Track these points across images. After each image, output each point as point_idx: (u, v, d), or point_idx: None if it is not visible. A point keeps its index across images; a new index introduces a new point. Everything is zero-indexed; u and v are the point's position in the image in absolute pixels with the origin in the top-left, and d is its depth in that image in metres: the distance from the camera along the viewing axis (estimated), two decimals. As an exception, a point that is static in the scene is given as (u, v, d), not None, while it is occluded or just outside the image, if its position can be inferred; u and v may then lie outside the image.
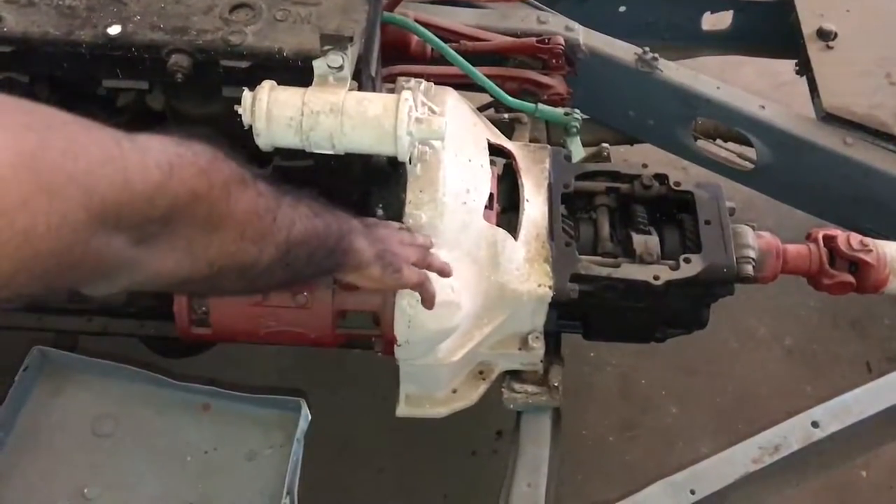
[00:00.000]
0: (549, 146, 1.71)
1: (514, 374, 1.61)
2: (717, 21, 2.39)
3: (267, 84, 1.23)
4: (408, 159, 1.32)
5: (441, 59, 1.71)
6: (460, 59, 1.65)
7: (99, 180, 0.70)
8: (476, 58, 1.75)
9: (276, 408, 1.42)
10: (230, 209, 0.88)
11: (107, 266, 0.76)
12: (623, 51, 2.01)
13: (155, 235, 0.80)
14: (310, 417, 1.41)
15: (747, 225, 1.61)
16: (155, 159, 0.78)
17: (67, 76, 1.37)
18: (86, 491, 1.35)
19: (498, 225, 1.51)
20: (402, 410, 1.59)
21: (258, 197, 0.94)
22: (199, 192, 0.83)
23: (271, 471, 1.37)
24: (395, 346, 1.44)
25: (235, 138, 1.31)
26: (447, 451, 2.08)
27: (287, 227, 0.98)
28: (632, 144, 2.23)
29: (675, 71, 2.01)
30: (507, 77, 1.83)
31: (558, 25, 1.97)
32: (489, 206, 1.52)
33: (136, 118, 1.44)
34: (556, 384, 1.59)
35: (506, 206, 1.60)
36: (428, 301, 1.33)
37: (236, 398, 1.43)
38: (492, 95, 1.72)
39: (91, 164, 0.70)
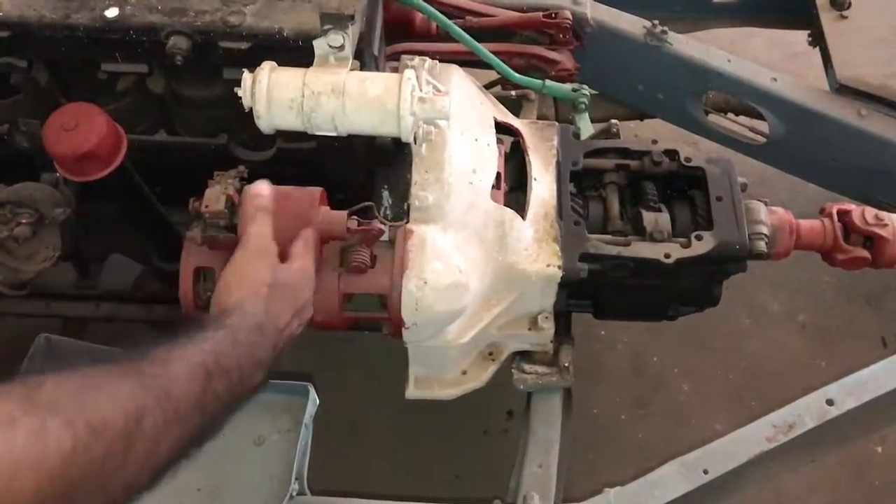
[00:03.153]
0: (557, 123, 1.69)
1: (525, 355, 1.59)
2: (727, -8, 2.35)
3: (267, 65, 1.21)
4: (412, 139, 1.30)
5: (446, 36, 1.68)
6: (465, 35, 1.62)
7: None
8: (482, 34, 1.73)
9: (283, 392, 1.42)
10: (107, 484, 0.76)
11: None
12: (631, 24, 1.97)
13: None
14: (318, 402, 1.40)
15: (759, 200, 1.59)
16: None
17: (66, 60, 1.36)
18: (94, 478, 1.35)
19: (505, 204, 1.49)
20: (412, 392, 1.58)
21: (152, 450, 0.82)
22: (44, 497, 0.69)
23: (280, 456, 1.36)
24: (403, 328, 1.42)
25: (237, 121, 1.31)
26: (458, 432, 2.08)
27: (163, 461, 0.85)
28: (641, 119, 2.20)
29: (685, 44, 1.98)
30: (513, 53, 1.80)
31: (565, -1, 1.94)
32: (496, 186, 1.50)
33: (136, 102, 1.43)
34: (566, 364, 1.57)
35: (513, 185, 1.58)
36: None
37: (244, 383, 1.42)
38: (498, 72, 1.70)
39: None
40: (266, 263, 1.11)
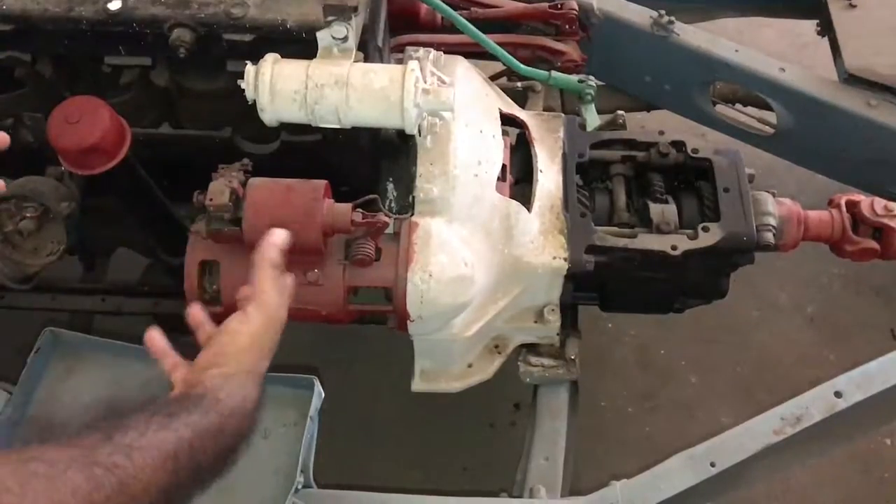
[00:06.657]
0: (563, 114, 1.69)
1: (531, 347, 1.59)
2: (735, -19, 2.33)
3: (270, 57, 1.20)
4: (417, 132, 1.29)
5: (451, 28, 1.67)
6: (471, 26, 1.61)
7: None
8: (487, 25, 1.71)
9: (289, 386, 1.41)
10: None
11: None
12: (638, 14, 1.96)
13: None
14: (323, 395, 1.40)
15: (767, 192, 1.58)
16: None
17: (69, 54, 1.36)
18: (101, 471, 1.35)
19: (511, 197, 1.49)
20: (418, 385, 1.58)
21: None
22: None
23: (285, 449, 1.36)
24: (409, 321, 1.42)
25: (242, 114, 1.30)
26: (465, 424, 2.08)
27: None
28: (648, 111, 2.19)
29: (692, 34, 1.96)
30: (519, 44, 1.79)
31: (571, -10, 1.92)
32: (502, 178, 1.49)
33: (140, 95, 1.43)
34: (573, 357, 1.57)
35: (519, 177, 1.57)
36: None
37: (249, 376, 1.42)
38: (504, 63, 1.69)
39: None
40: (276, 335, 1.06)
